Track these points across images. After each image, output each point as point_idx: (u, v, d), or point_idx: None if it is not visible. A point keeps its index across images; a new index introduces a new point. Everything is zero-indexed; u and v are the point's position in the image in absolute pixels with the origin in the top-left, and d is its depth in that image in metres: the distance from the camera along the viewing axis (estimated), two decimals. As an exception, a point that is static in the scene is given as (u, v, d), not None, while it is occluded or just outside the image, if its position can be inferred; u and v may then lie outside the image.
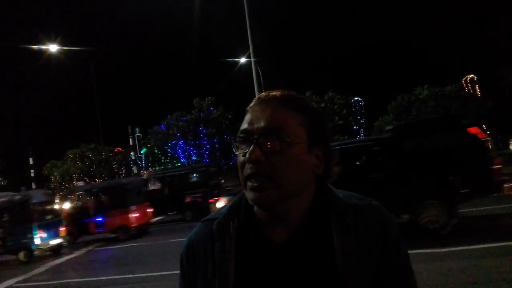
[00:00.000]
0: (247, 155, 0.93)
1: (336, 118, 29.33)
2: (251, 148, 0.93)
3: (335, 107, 29.79)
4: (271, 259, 0.95)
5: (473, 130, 8.58)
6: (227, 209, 1.06)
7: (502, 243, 6.58)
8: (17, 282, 9.34)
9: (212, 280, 0.98)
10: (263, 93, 1.01)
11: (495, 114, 26.10)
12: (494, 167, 7.95)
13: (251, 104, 1.00)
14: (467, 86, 33.54)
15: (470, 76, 34.61)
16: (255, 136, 0.93)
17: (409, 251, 0.99)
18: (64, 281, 8.99)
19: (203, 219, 1.10)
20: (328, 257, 0.92)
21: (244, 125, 0.97)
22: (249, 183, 0.93)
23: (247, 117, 0.98)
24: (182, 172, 18.71)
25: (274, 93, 1.00)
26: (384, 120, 28.52)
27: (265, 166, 0.92)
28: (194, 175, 18.17)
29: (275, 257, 0.95)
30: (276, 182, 0.92)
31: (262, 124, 0.94)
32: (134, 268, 9.10)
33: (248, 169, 0.93)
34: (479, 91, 28.59)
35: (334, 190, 1.02)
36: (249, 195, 0.94)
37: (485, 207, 9.75)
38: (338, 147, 8.72)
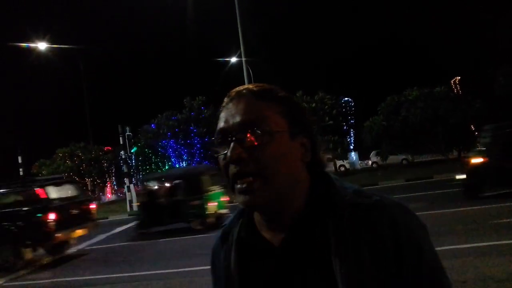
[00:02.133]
0: (228, 154, 0.87)
1: (327, 118, 29.42)
2: (231, 146, 0.87)
3: (326, 107, 29.88)
4: (269, 262, 0.92)
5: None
6: (234, 214, 1.05)
7: (490, 243, 6.69)
8: (6, 281, 9.28)
9: (224, 286, 0.99)
10: (233, 90, 0.96)
11: (484, 115, 26.36)
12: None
13: (223, 103, 0.95)
14: (455, 87, 33.85)
15: (459, 77, 34.96)
16: (233, 133, 0.88)
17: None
18: (55, 280, 8.96)
19: (222, 225, 1.09)
20: (325, 262, 0.85)
21: (220, 125, 0.92)
22: (236, 186, 0.88)
23: (221, 115, 0.93)
24: None
25: (245, 87, 0.94)
26: (374, 121, 28.66)
27: (249, 163, 0.86)
28: None
29: (273, 259, 0.91)
30: (265, 179, 0.86)
31: (237, 119, 0.88)
32: (128, 267, 9.07)
33: (232, 169, 0.87)
34: (468, 92, 28.89)
35: (337, 184, 0.93)
36: (239, 198, 0.88)
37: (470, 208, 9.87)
38: None
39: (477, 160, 11.66)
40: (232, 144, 0.87)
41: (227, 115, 0.91)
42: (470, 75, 31.33)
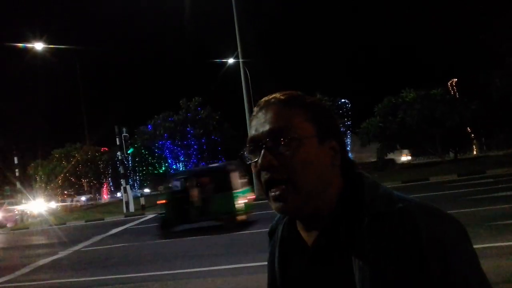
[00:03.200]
0: (259, 161, 0.91)
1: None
2: (261, 154, 0.91)
3: (323, 108, 29.91)
4: (303, 259, 0.97)
5: None
6: None
7: (485, 245, 6.69)
8: (1, 283, 9.22)
9: (270, 278, 1.09)
10: (262, 99, 0.99)
11: (481, 117, 26.46)
12: None
13: (254, 112, 0.99)
14: (452, 89, 33.94)
15: (455, 79, 35.06)
16: (263, 141, 0.92)
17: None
18: (50, 281, 8.91)
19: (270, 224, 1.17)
20: (349, 266, 0.86)
21: (251, 133, 0.96)
22: (270, 193, 0.92)
23: (252, 124, 0.97)
24: None
25: (273, 96, 0.97)
26: (371, 122, 28.70)
27: (280, 170, 0.89)
28: None
29: (305, 259, 0.96)
30: (295, 185, 0.89)
31: (267, 127, 0.92)
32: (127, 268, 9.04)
33: (264, 176, 0.91)
34: (465, 94, 28.99)
35: (366, 188, 0.92)
36: (273, 205, 0.92)
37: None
38: None
39: (162, 201, 13.90)
40: (262, 152, 0.91)
41: (257, 124, 0.95)
42: (466, 77, 31.40)
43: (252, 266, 7.51)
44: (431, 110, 25.76)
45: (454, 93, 31.20)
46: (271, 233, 1.13)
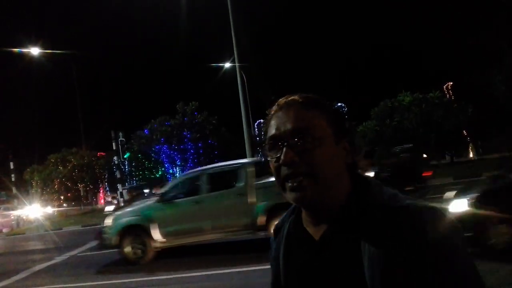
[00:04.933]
0: (282, 157, 0.98)
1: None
2: (284, 150, 0.98)
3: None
4: (308, 253, 1.03)
5: None
6: (286, 212, 1.18)
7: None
8: (-2, 289, 9.17)
9: (274, 273, 1.15)
10: (281, 99, 1.07)
11: (477, 120, 26.55)
12: None
13: (272, 111, 1.06)
14: (448, 92, 34.08)
15: (451, 82, 35.21)
16: (285, 139, 0.99)
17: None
18: (46, 287, 8.86)
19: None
20: (355, 259, 0.92)
21: (272, 131, 1.03)
22: (288, 184, 0.98)
23: (272, 123, 1.04)
24: None
25: (292, 97, 1.05)
26: (367, 126, 28.75)
27: (300, 165, 0.97)
28: None
29: (312, 253, 1.02)
30: (315, 178, 0.96)
31: (289, 126, 1.00)
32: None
33: (284, 171, 0.99)
34: (460, 98, 29.12)
35: (374, 188, 1.00)
36: (290, 195, 0.99)
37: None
38: None
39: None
40: (285, 149, 0.98)
41: (278, 123, 1.02)
42: (462, 80, 31.53)
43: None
44: (428, 114, 25.84)
45: (450, 96, 31.34)
46: (277, 231, 1.18)
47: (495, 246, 6.25)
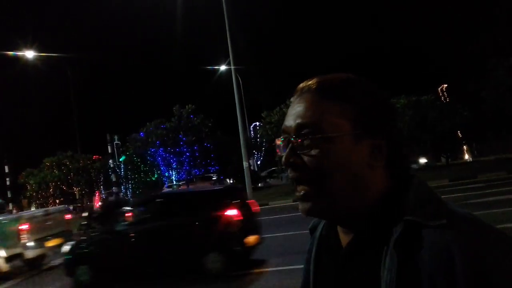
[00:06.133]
0: (283, 159, 0.84)
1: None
2: (287, 150, 0.84)
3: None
4: (334, 261, 0.90)
5: None
6: None
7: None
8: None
9: (305, 275, 1.04)
10: (300, 84, 0.89)
11: (471, 123, 26.68)
12: None
13: (292, 98, 0.90)
14: (443, 94, 34.24)
15: (445, 85, 35.39)
16: (291, 135, 0.85)
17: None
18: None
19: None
20: (378, 273, 0.77)
21: (284, 123, 0.88)
22: (296, 192, 0.85)
23: (287, 113, 0.88)
24: None
25: (310, 82, 0.87)
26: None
27: (304, 170, 0.82)
28: None
29: (337, 263, 0.88)
30: (320, 187, 0.81)
31: (296, 121, 0.84)
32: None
33: (290, 173, 0.85)
34: (455, 100, 29.28)
35: (412, 193, 0.80)
36: (299, 205, 0.86)
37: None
38: None
39: None
40: (288, 149, 0.84)
41: (289, 114, 0.87)
42: (457, 83, 31.71)
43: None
44: (423, 116, 25.94)
45: (445, 98, 31.48)
46: (312, 230, 1.05)
47: None
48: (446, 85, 35.27)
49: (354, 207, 0.83)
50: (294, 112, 0.85)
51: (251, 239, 7.75)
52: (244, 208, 8.00)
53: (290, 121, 0.85)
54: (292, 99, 0.89)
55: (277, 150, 0.90)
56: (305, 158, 0.82)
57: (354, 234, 0.85)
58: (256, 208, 8.88)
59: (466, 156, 32.33)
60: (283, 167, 0.87)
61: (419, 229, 0.74)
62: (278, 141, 0.89)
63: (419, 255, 0.72)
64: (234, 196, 8.25)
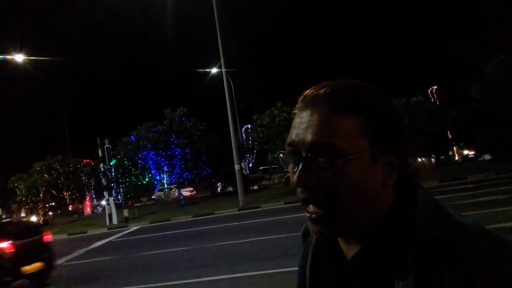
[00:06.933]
0: (295, 178, 0.78)
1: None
2: (298, 169, 0.77)
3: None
4: (339, 271, 0.85)
5: None
6: None
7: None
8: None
9: (299, 281, 1.00)
10: (309, 90, 0.81)
11: (461, 124, 26.89)
12: None
13: (298, 106, 0.82)
14: (432, 96, 34.47)
15: (435, 86, 35.63)
16: (302, 153, 0.78)
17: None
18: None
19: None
20: None
21: (291, 135, 0.80)
22: (306, 212, 0.80)
23: (294, 123, 0.81)
24: None
25: (321, 90, 0.79)
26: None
27: (318, 192, 0.77)
28: None
29: (341, 270, 0.85)
30: (334, 210, 0.76)
31: (308, 137, 0.76)
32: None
33: (299, 193, 0.79)
34: (445, 101, 29.48)
35: (420, 206, 0.77)
36: (309, 225, 0.81)
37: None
38: None
39: None
40: (299, 168, 0.77)
41: (299, 127, 0.79)
42: (446, 84, 31.95)
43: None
44: (412, 118, 26.11)
45: (434, 100, 31.68)
46: (305, 235, 1.01)
47: None
48: (436, 87, 35.50)
49: (365, 224, 0.79)
50: (306, 127, 0.78)
51: (31, 267, 8.87)
52: (24, 239, 9.09)
53: (303, 135, 0.77)
54: (298, 108, 0.82)
55: (285, 164, 0.84)
56: (320, 179, 0.76)
57: (362, 246, 0.81)
58: (47, 237, 9.99)
59: (456, 157, 32.54)
60: (293, 185, 0.80)
61: (434, 247, 0.71)
62: (282, 154, 0.83)
63: (437, 274, 0.69)
64: (6, 231, 9.22)
